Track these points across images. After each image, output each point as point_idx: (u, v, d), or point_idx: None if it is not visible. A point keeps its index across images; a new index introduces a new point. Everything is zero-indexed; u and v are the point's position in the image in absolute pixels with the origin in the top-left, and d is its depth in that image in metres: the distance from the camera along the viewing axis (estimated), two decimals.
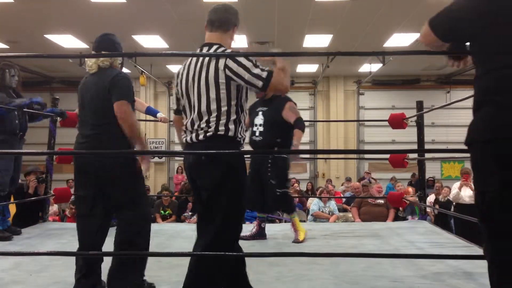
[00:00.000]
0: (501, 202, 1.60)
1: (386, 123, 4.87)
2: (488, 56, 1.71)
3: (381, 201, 6.58)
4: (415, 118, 4.93)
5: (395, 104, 13.42)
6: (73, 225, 5.57)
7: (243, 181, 2.23)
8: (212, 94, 2.11)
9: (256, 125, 4.04)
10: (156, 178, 14.23)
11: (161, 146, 14.05)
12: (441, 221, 6.91)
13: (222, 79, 2.10)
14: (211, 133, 2.12)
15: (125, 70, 10.56)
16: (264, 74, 2.10)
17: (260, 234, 4.18)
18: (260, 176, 4.02)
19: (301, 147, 14.99)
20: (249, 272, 2.98)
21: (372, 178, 11.24)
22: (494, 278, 1.68)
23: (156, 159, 13.89)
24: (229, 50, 2.22)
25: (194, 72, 2.17)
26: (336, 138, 14.02)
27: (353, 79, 14.21)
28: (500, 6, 1.68)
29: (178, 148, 16.53)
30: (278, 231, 4.55)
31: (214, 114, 2.12)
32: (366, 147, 14.14)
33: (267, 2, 8.05)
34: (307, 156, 12.37)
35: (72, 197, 4.68)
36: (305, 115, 14.26)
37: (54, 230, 4.55)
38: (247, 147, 3.68)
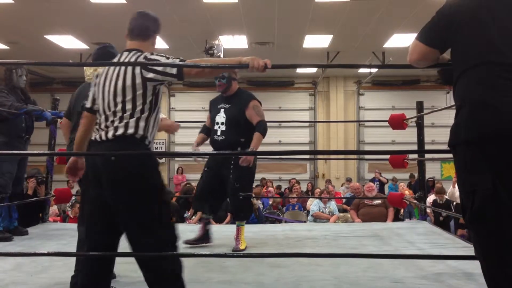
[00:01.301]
0: (494, 201, 1.60)
1: (386, 123, 4.87)
2: (461, 59, 1.77)
3: (379, 201, 6.58)
4: (415, 118, 4.93)
5: (395, 104, 13.43)
6: (74, 225, 5.57)
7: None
8: (130, 95, 2.10)
9: (217, 123, 3.79)
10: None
11: (161, 147, 14.07)
12: (441, 223, 6.91)
13: (139, 80, 2.10)
14: (120, 132, 2.08)
15: None
16: (177, 61, 2.14)
17: (205, 238, 3.86)
18: (221, 178, 3.76)
19: (301, 148, 14.95)
20: (249, 273, 2.99)
21: (382, 177, 11.21)
22: (489, 278, 1.68)
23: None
24: (148, 54, 2.20)
25: (112, 74, 2.16)
26: (336, 138, 14.02)
27: (353, 79, 14.22)
28: (462, 11, 1.76)
29: (179, 148, 16.60)
30: (278, 231, 4.54)
31: (127, 113, 2.09)
32: (366, 148, 14.15)
33: (267, 2, 8.06)
34: (307, 156, 12.38)
35: (73, 197, 4.68)
36: (305, 116, 14.29)
37: (54, 231, 4.55)
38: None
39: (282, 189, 11.22)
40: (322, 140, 14.24)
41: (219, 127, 3.77)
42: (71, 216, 7.52)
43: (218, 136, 3.75)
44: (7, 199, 4.14)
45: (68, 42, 10.28)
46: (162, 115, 5.08)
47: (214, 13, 8.41)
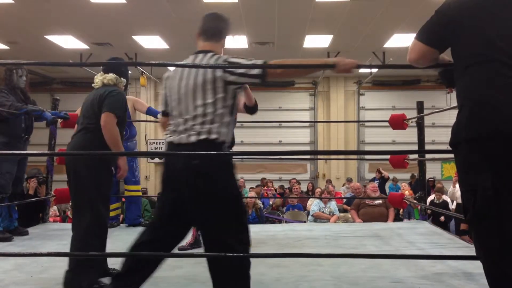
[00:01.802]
0: (495, 200, 1.60)
1: (387, 123, 4.87)
2: (461, 58, 1.77)
3: (380, 201, 6.57)
4: (415, 118, 4.93)
5: (396, 104, 13.43)
6: None
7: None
8: (210, 97, 2.09)
9: None
10: (156, 178, 14.23)
11: (161, 147, 14.05)
12: (440, 224, 6.92)
13: (220, 82, 2.08)
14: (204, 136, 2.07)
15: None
16: (259, 61, 2.10)
17: (197, 243, 3.80)
18: None
19: (302, 148, 14.94)
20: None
21: (384, 172, 11.15)
22: (490, 278, 1.68)
23: (157, 159, 13.89)
24: (229, 57, 2.17)
25: (188, 76, 2.15)
26: (336, 138, 14.02)
27: (354, 79, 14.22)
28: (462, 10, 1.76)
29: None
30: (278, 231, 4.54)
31: (208, 118, 2.08)
32: (367, 148, 14.15)
33: (267, 2, 8.06)
34: (308, 156, 12.37)
35: None
36: (306, 116, 14.29)
37: (54, 231, 4.55)
38: None
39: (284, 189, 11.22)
40: (323, 140, 14.24)
41: None
42: (71, 217, 7.52)
43: None
44: (7, 199, 4.14)
45: (68, 42, 10.28)
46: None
47: None
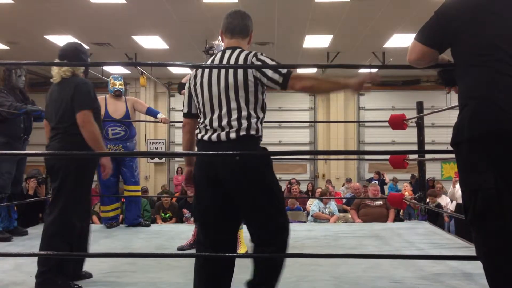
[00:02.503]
0: (497, 200, 1.60)
1: (386, 123, 4.87)
2: (462, 58, 1.77)
3: (380, 202, 6.57)
4: (415, 119, 4.93)
5: (395, 104, 13.43)
6: None
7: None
8: (244, 94, 2.11)
9: None
10: (156, 179, 14.24)
11: (161, 147, 14.06)
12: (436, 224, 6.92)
13: (250, 78, 2.10)
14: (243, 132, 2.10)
15: (125, 71, 10.63)
16: (284, 70, 2.11)
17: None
18: None
19: (301, 148, 14.97)
20: (249, 274, 2.98)
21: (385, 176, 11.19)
22: (490, 278, 1.68)
23: (156, 159, 13.90)
24: (259, 53, 2.18)
25: (218, 72, 2.14)
26: (336, 139, 14.03)
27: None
28: (462, 10, 1.76)
29: (178, 149, 16.61)
30: None
31: (245, 113, 2.11)
32: (366, 148, 14.15)
33: (267, 2, 8.06)
34: (307, 156, 12.37)
35: None
36: (305, 116, 14.30)
37: None
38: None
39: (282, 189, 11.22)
40: (322, 140, 14.24)
41: None
42: None
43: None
44: (7, 199, 4.14)
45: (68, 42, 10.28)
46: (162, 115, 5.08)
47: (214, 13, 8.40)
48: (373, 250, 3.72)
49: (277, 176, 2.42)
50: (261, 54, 2.15)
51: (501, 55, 1.64)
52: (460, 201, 6.68)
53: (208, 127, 2.14)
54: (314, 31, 9.60)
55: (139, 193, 5.23)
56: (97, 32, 9.62)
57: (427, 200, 7.80)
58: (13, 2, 7.91)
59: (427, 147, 6.55)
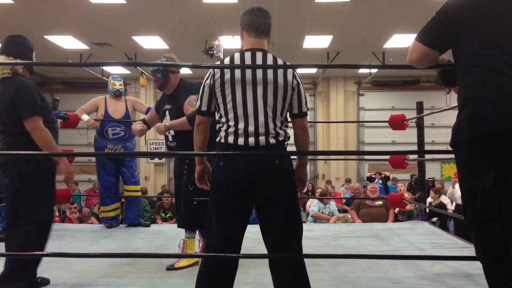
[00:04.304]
0: (496, 201, 1.60)
1: (386, 124, 4.87)
2: (463, 59, 1.77)
3: (380, 202, 6.58)
4: (415, 119, 4.93)
5: (395, 105, 13.43)
6: (74, 226, 5.59)
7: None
8: (280, 99, 2.12)
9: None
10: (156, 179, 14.23)
11: (161, 147, 14.05)
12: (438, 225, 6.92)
13: (289, 88, 2.13)
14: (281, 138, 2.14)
15: (125, 71, 10.62)
16: (305, 109, 2.23)
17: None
18: (180, 183, 3.33)
19: None
20: (249, 273, 2.99)
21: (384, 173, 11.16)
22: (490, 278, 1.68)
23: (156, 160, 13.88)
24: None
25: (253, 75, 2.09)
26: (336, 139, 14.02)
27: (353, 80, 14.22)
28: (463, 11, 1.76)
29: None
30: None
31: (282, 119, 2.15)
32: (366, 148, 14.14)
33: (267, 2, 8.02)
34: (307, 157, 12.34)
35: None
36: None
37: (54, 231, 4.53)
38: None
39: None
40: (322, 140, 14.23)
41: (169, 132, 3.29)
42: (70, 217, 7.53)
43: (171, 142, 3.32)
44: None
45: (68, 42, 10.28)
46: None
47: (214, 13, 8.41)
48: (373, 250, 3.72)
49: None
50: (295, 71, 2.18)
51: (502, 56, 1.64)
52: (460, 202, 6.68)
53: (240, 131, 2.08)
54: (314, 31, 9.60)
55: (139, 193, 5.23)
56: (97, 32, 9.61)
57: (429, 198, 7.83)
58: (13, 2, 7.91)
59: (427, 147, 6.56)
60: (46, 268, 3.10)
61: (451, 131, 1.75)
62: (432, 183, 9.74)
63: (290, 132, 2.20)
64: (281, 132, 2.12)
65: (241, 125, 2.07)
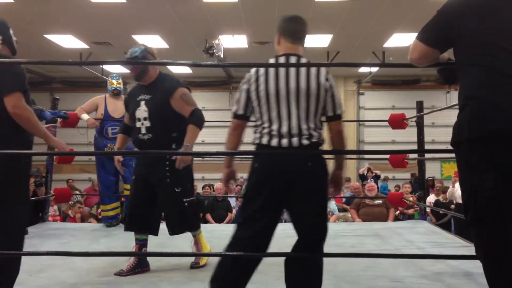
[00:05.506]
0: (497, 201, 1.60)
1: (386, 123, 4.87)
2: (464, 58, 1.77)
3: (380, 201, 6.57)
4: (415, 118, 4.93)
5: (395, 104, 13.43)
6: (74, 225, 5.59)
7: None
8: (313, 101, 2.16)
9: (139, 119, 3.09)
10: None
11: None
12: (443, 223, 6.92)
13: (322, 89, 2.17)
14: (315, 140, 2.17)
15: (125, 70, 10.59)
16: (340, 111, 2.25)
17: (141, 263, 3.09)
18: (150, 184, 3.09)
19: None
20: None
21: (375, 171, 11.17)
22: (490, 278, 1.68)
23: None
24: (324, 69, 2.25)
25: (287, 79, 2.15)
26: None
27: (353, 79, 14.21)
28: (464, 10, 1.76)
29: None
30: (278, 231, 4.53)
31: (315, 121, 2.19)
32: (366, 147, 14.14)
33: (267, 2, 8.06)
34: None
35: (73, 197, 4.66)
36: None
37: (54, 230, 4.55)
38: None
39: None
40: None
41: (142, 124, 3.07)
42: (71, 216, 7.53)
43: (144, 135, 3.07)
44: None
45: (68, 41, 10.28)
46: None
47: (214, 13, 8.41)
48: (373, 249, 3.72)
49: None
50: (329, 73, 2.21)
51: (503, 55, 1.64)
52: (460, 201, 6.68)
53: (274, 132, 2.14)
54: (314, 30, 9.59)
55: None
56: (97, 31, 9.61)
57: (440, 197, 7.82)
58: (13, 1, 7.91)
59: (426, 147, 6.55)
60: (45, 267, 3.11)
61: (452, 131, 1.75)
62: (432, 182, 9.72)
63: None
64: (315, 133, 2.16)
65: (275, 127, 2.14)
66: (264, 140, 2.15)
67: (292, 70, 2.15)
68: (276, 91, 2.14)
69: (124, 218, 5.04)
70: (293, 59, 2.20)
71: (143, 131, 3.08)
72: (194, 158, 3.64)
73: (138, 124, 3.10)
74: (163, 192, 3.05)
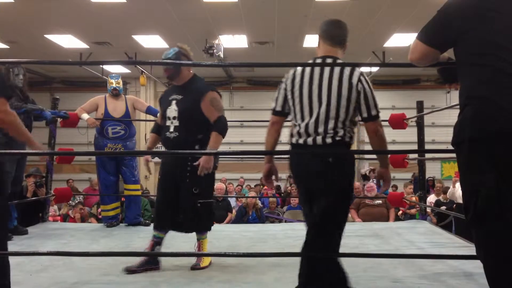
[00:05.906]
0: (498, 201, 1.59)
1: (386, 123, 4.86)
2: (465, 58, 1.77)
3: (380, 201, 6.57)
4: (415, 118, 4.93)
5: (395, 104, 13.42)
6: (74, 225, 5.59)
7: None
8: (343, 102, 2.21)
9: (169, 118, 3.19)
10: (156, 178, 14.18)
11: (160, 146, 14.03)
12: (443, 223, 6.90)
13: (354, 90, 2.21)
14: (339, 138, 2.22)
15: (125, 70, 10.65)
16: (375, 112, 2.25)
17: (152, 261, 3.12)
18: (175, 183, 3.19)
19: None
20: (249, 273, 2.99)
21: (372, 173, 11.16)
22: (490, 278, 1.68)
23: (157, 159, 13.86)
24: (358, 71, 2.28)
25: (320, 80, 2.23)
26: None
27: None
28: (465, 10, 1.76)
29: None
30: (278, 231, 4.54)
31: (342, 120, 2.23)
32: (366, 147, 14.12)
33: (267, 2, 8.05)
34: None
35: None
36: None
37: (54, 230, 4.55)
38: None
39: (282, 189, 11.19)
40: None
41: (171, 123, 3.18)
42: (72, 216, 7.52)
43: (171, 133, 3.17)
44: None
45: (68, 41, 10.28)
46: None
47: (214, 13, 8.41)
48: (373, 250, 3.71)
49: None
50: (363, 75, 2.24)
51: (503, 54, 1.64)
52: (460, 201, 6.68)
53: (302, 131, 2.25)
54: (314, 30, 9.56)
55: (139, 192, 5.23)
56: (97, 31, 9.61)
57: (440, 197, 7.82)
58: (13, 1, 7.91)
59: (427, 146, 6.55)
60: (45, 267, 3.11)
61: (453, 130, 1.75)
62: (432, 182, 9.72)
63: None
64: (341, 131, 2.20)
65: (303, 126, 2.24)
66: (294, 140, 2.28)
67: (326, 72, 2.23)
68: (309, 92, 2.24)
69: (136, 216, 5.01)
70: (329, 61, 2.29)
71: (171, 129, 3.19)
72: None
73: (167, 123, 3.21)
74: (182, 190, 3.17)
